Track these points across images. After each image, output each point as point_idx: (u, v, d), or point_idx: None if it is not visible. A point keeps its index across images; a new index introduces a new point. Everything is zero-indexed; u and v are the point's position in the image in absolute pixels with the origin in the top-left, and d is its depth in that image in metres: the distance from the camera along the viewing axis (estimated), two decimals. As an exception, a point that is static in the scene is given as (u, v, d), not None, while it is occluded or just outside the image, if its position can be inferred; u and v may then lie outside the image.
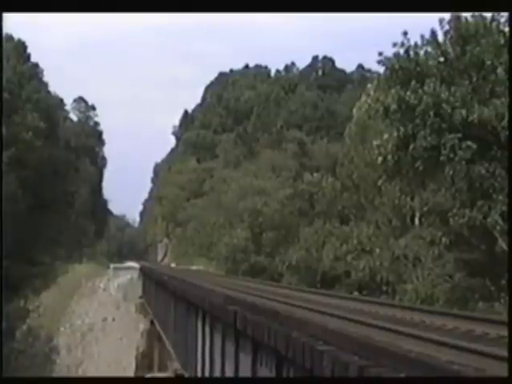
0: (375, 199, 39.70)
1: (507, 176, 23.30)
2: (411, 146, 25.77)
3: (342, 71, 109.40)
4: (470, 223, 24.64)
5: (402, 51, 27.23)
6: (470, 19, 27.25)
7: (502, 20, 26.42)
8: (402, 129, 26.12)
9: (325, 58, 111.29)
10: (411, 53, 27.27)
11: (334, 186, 44.89)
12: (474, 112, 24.49)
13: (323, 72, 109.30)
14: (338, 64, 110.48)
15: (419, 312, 10.85)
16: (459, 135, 24.89)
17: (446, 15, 27.45)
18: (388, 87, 27.17)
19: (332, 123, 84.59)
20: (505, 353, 5.80)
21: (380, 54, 27.91)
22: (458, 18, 27.21)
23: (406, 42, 27.28)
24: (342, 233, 40.31)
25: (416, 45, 27.62)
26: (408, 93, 25.80)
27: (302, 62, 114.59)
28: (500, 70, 24.94)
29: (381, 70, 29.59)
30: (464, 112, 24.77)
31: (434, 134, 25.33)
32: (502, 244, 24.22)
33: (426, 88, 25.58)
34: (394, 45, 27.25)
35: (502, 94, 24.62)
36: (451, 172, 25.28)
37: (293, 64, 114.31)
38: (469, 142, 24.70)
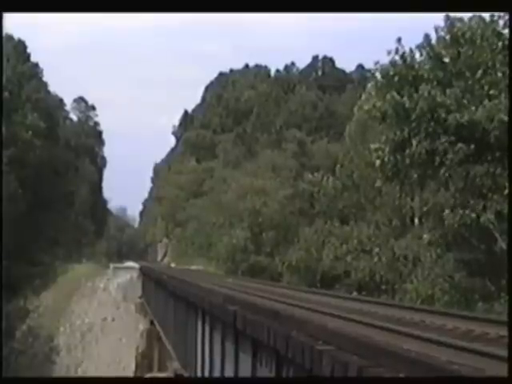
0: (375, 199, 39.67)
1: (505, 175, 23.37)
2: (407, 151, 25.94)
3: (342, 71, 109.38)
4: (463, 221, 24.73)
5: (397, 57, 27.44)
6: (467, 21, 27.35)
7: (501, 22, 26.50)
8: (398, 133, 26.29)
9: (325, 57, 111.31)
10: (407, 58, 27.46)
11: (335, 185, 44.83)
12: (466, 114, 24.64)
13: (323, 72, 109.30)
14: (338, 64, 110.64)
15: (419, 312, 10.84)
16: (452, 138, 25.05)
17: (441, 21, 27.66)
18: (385, 93, 27.32)
19: (332, 123, 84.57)
20: (505, 353, 5.79)
21: (376, 63, 28.32)
22: (453, 23, 27.33)
23: (400, 48, 27.50)
24: (342, 233, 40.27)
25: (411, 50, 27.83)
26: (404, 98, 25.96)
27: (302, 62, 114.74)
28: (499, 73, 25.06)
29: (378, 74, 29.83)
30: (458, 115, 24.92)
31: (429, 138, 25.50)
32: (502, 244, 24.24)
33: (420, 92, 25.73)
34: (389, 52, 27.48)
35: (496, 96, 24.75)
36: (446, 174, 25.44)
37: (293, 64, 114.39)
38: (461, 144, 24.84)
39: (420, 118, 25.61)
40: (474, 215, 24.37)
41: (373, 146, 28.68)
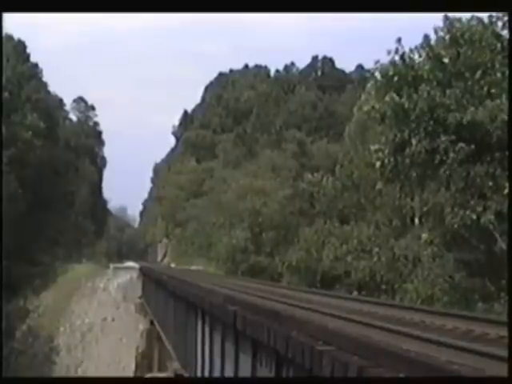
0: (375, 199, 39.67)
1: (505, 176, 23.37)
2: (407, 151, 25.92)
3: (342, 71, 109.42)
4: (463, 222, 24.73)
5: (397, 57, 27.43)
6: (466, 22, 27.35)
7: (500, 24, 26.53)
8: (398, 134, 26.27)
9: (324, 58, 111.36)
10: (407, 59, 27.45)
11: (335, 185, 44.83)
12: (468, 114, 24.62)
13: (323, 72, 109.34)
14: (338, 64, 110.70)
15: (419, 312, 10.85)
16: (452, 137, 25.03)
17: (440, 21, 27.67)
18: (384, 93, 27.30)
19: (331, 123, 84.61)
20: (504, 353, 5.80)
21: (376, 62, 28.32)
22: (452, 22, 27.34)
23: (400, 48, 27.48)
24: (342, 233, 40.26)
25: (411, 50, 27.83)
26: (403, 99, 25.95)
27: (302, 62, 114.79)
28: (498, 73, 25.06)
29: (378, 74, 29.82)
30: (458, 115, 24.89)
31: (428, 137, 25.48)
32: (502, 244, 24.24)
33: (420, 93, 25.72)
34: (389, 52, 27.46)
35: (497, 95, 24.75)
36: (447, 173, 25.43)
37: (292, 64, 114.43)
38: (461, 144, 24.82)
39: (419, 118, 25.60)
40: (474, 216, 24.36)
41: (373, 148, 28.66)
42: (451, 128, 25.19)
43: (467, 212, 24.53)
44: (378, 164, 27.55)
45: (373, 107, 28.36)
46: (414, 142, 25.68)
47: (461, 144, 24.89)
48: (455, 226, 25.19)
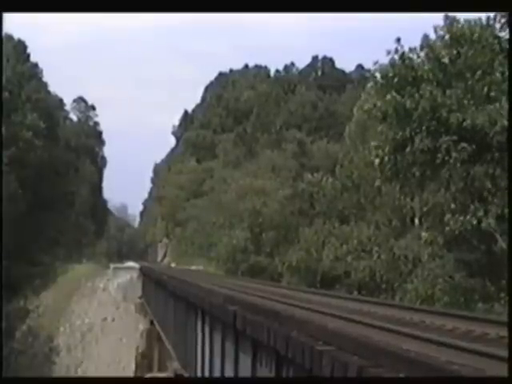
0: (375, 199, 39.66)
1: (505, 177, 23.34)
2: (408, 149, 25.88)
3: (342, 71, 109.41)
4: (464, 227, 24.70)
5: (396, 57, 27.39)
6: (465, 22, 27.34)
7: (497, 26, 26.53)
8: (399, 132, 26.21)
9: (324, 58, 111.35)
10: (406, 59, 27.43)
11: (334, 185, 44.81)
12: (468, 117, 24.59)
13: (323, 72, 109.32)
14: (338, 64, 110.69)
15: (419, 312, 10.84)
16: (454, 137, 24.99)
17: (440, 21, 27.66)
18: (385, 93, 27.27)
19: (332, 123, 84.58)
20: (505, 353, 5.80)
21: (375, 63, 28.30)
22: (453, 22, 27.32)
23: (399, 48, 27.44)
24: (342, 233, 40.26)
25: (411, 49, 27.79)
26: (405, 98, 25.91)
27: (302, 62, 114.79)
28: (497, 74, 25.04)
29: (378, 74, 29.79)
30: (460, 115, 24.86)
31: (431, 136, 25.44)
32: (502, 244, 24.22)
33: (422, 92, 25.69)
34: (388, 52, 27.42)
35: (497, 97, 24.72)
36: (448, 174, 25.40)
37: (292, 64, 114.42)
38: (464, 144, 24.79)
39: (421, 117, 25.57)
40: (474, 222, 24.31)
41: (373, 144, 28.63)
42: (453, 128, 25.16)
43: (467, 217, 24.48)
44: (376, 161, 27.49)
45: (374, 105, 28.28)
46: (417, 140, 25.61)
47: (463, 144, 24.85)
48: (456, 232, 25.16)
